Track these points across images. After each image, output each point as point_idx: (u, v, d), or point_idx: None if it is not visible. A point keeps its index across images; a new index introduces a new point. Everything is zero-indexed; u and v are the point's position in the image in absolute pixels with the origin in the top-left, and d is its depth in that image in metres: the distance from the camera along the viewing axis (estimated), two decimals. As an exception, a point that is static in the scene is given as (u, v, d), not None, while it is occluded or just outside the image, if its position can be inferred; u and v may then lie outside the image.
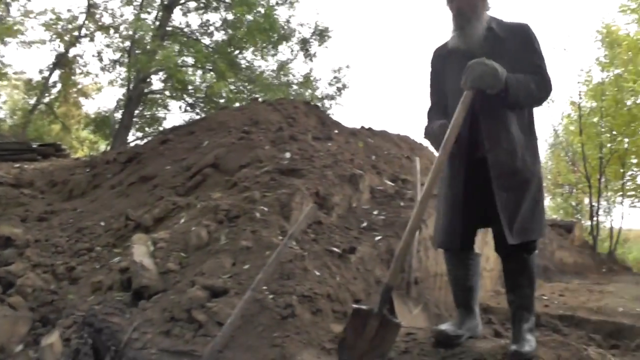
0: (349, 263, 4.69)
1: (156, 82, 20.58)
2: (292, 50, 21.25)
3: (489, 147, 3.25)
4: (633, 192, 20.63)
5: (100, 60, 20.69)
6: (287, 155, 6.21)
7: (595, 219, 17.39)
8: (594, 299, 7.60)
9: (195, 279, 3.99)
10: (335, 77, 21.78)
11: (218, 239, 4.61)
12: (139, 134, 21.44)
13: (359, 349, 2.92)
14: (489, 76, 3.12)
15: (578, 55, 19.75)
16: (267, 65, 21.25)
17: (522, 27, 3.50)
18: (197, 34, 20.51)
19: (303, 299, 3.85)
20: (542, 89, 3.36)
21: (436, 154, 3.31)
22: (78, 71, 22.21)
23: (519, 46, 3.40)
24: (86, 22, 20.80)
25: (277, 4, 20.08)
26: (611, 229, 19.28)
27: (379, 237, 5.30)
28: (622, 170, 18.59)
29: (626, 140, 17.30)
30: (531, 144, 3.42)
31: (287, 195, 5.18)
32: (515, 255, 3.36)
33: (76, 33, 20.89)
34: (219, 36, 20.47)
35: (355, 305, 3.22)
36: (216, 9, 20.40)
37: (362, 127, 9.03)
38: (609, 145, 17.01)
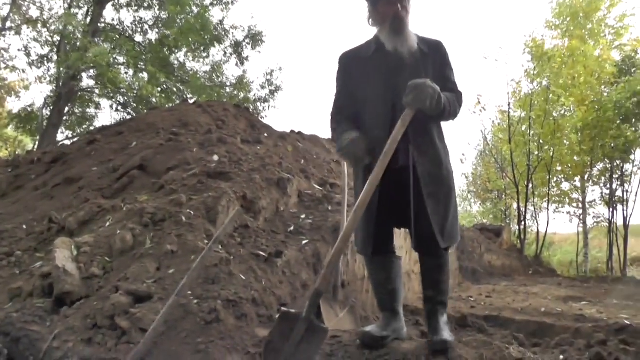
0: (275, 267, 4.73)
1: (87, 79, 19.99)
2: (225, 53, 21.14)
3: (418, 157, 3.42)
4: (558, 198, 21.50)
5: (28, 55, 19.80)
6: (215, 158, 6.19)
7: (523, 223, 18.04)
8: (520, 299, 7.87)
9: (119, 285, 3.93)
10: (267, 80, 21.75)
11: (143, 243, 4.56)
12: (69, 133, 20.91)
13: (285, 353, 2.93)
14: (434, 100, 3.30)
15: (508, 67, 20.32)
16: (200, 66, 21.09)
17: (440, 44, 3.73)
18: (130, 31, 20.12)
19: (228, 303, 3.85)
20: (459, 105, 3.64)
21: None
22: (3, 66, 21.43)
23: (439, 62, 3.62)
24: (11, 14, 19.91)
25: (211, 4, 19.94)
26: (538, 233, 20.03)
27: (305, 241, 5.36)
28: (548, 177, 19.36)
29: (552, 149, 18.02)
30: (447, 154, 3.63)
31: (213, 198, 5.17)
32: (436, 253, 3.55)
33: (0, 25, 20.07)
34: (152, 35, 20.12)
35: (283, 309, 3.22)
36: (149, 7, 20.06)
37: (292, 131, 9.08)
38: (536, 153, 17.67)
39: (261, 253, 4.76)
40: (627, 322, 5.62)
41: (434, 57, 3.62)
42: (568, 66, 18.02)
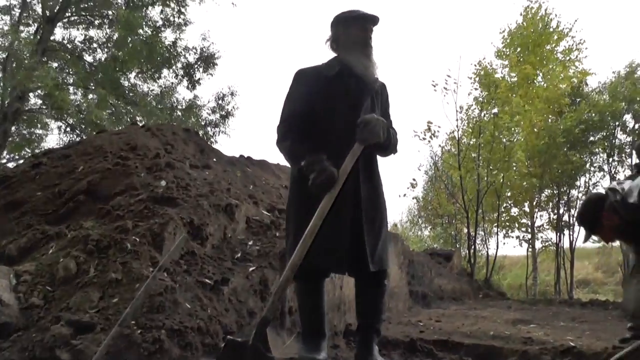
0: (221, 295, 4.70)
1: (35, 98, 19.51)
2: (176, 75, 20.97)
3: (362, 183, 3.58)
4: (507, 223, 22.00)
5: (-30, 72, 19.29)
6: (163, 183, 6.13)
7: (472, 247, 18.35)
8: (469, 323, 7.96)
9: (61, 315, 3.84)
10: (218, 104, 21.62)
11: (87, 271, 4.45)
12: (14, 155, 20.41)
13: None
14: (383, 134, 3.49)
15: (457, 94, 20.70)
16: (151, 89, 20.85)
17: (384, 84, 3.97)
18: (79, 50, 19.76)
19: (172, 333, 3.81)
20: (397, 141, 3.87)
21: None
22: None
23: (385, 100, 3.80)
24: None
25: (164, 25, 19.79)
26: (488, 257, 20.39)
27: (252, 268, 5.34)
28: (497, 203, 19.78)
29: (502, 174, 18.45)
30: (382, 184, 3.75)
31: (160, 225, 5.10)
32: (377, 281, 3.71)
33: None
34: (102, 55, 19.79)
35: (229, 337, 3.22)
36: (100, 26, 19.79)
37: (241, 156, 9.06)
38: (485, 178, 18.03)
39: (207, 280, 4.73)
40: (572, 343, 5.80)
41: (382, 93, 3.79)
42: (518, 94, 18.52)
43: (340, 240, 3.56)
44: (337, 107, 3.65)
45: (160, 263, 3.73)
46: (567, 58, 21.73)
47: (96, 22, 19.65)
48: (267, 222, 6.52)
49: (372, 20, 3.80)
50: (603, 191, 5.44)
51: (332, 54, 3.91)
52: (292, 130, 3.70)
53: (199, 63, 20.96)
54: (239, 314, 4.80)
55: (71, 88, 18.10)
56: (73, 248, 4.83)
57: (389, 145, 3.69)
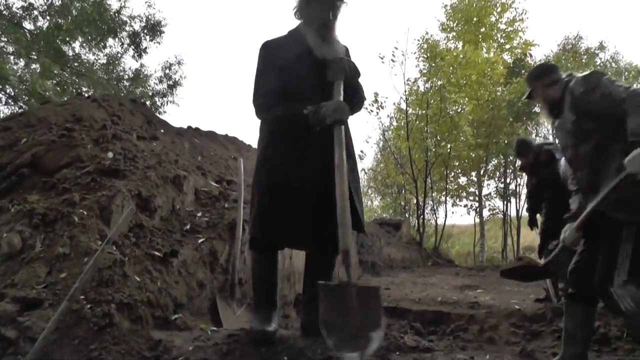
0: (170, 267, 4.71)
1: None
2: (122, 44, 20.48)
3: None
4: (456, 192, 22.41)
5: None
6: (110, 155, 6.05)
7: (421, 217, 18.63)
8: (417, 290, 8.15)
9: (6, 292, 3.77)
10: (165, 74, 21.25)
11: (33, 246, 4.38)
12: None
13: (352, 327, 2.82)
14: (351, 68, 3.70)
15: (404, 66, 20.83)
16: (96, 58, 20.31)
17: (347, 48, 3.98)
18: (18, 17, 18.99)
19: (122, 306, 3.81)
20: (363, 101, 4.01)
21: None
22: None
23: (353, 64, 3.74)
24: None
25: (109, -10, 19.20)
26: (436, 225, 20.77)
27: (201, 239, 5.35)
28: (445, 172, 20.11)
29: (449, 145, 18.74)
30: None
31: (107, 197, 5.04)
32: (331, 251, 3.72)
33: None
34: (44, 23, 19.03)
35: (321, 282, 3.02)
36: (42, -8, 19.00)
37: (189, 127, 8.99)
38: (433, 149, 18.29)
39: (156, 253, 4.72)
40: (517, 307, 6.01)
41: (347, 56, 3.84)
42: (462, 66, 18.72)
43: (304, 219, 3.61)
44: (305, 80, 3.65)
45: (109, 236, 3.68)
46: (511, 29, 22.02)
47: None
48: (216, 193, 6.51)
49: (333, 1, 3.75)
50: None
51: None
52: (269, 98, 3.70)
53: (145, 31, 20.48)
54: (189, 285, 4.82)
55: (11, 57, 17.51)
56: (17, 223, 4.71)
57: (357, 87, 3.84)
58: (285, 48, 3.77)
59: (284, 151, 3.64)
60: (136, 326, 3.77)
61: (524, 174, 14.56)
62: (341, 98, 3.49)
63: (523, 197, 20.65)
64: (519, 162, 8.99)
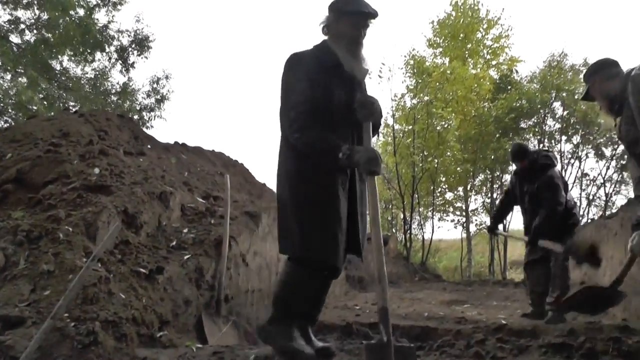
0: (156, 284, 4.69)
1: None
2: (110, 59, 20.42)
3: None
4: (442, 207, 22.45)
5: None
6: (96, 170, 6.02)
7: (409, 232, 18.65)
8: (405, 305, 8.15)
9: (-12, 309, 3.75)
10: (153, 88, 21.19)
11: (17, 263, 4.33)
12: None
13: None
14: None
15: (391, 82, 21.04)
16: (84, 72, 20.22)
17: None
18: (5, 31, 18.88)
19: (107, 324, 3.78)
20: None
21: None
22: None
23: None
24: None
25: (97, 5, 19.17)
26: (423, 240, 20.76)
27: (187, 256, 5.34)
28: (432, 187, 20.17)
29: (436, 160, 18.82)
30: None
31: (93, 213, 5.01)
32: (335, 278, 3.88)
33: None
34: (31, 36, 18.92)
35: (365, 342, 3.12)
36: (28, 6, 18.95)
37: (176, 143, 8.98)
38: (420, 164, 18.35)
39: (142, 270, 4.70)
40: (503, 321, 6.03)
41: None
42: (449, 82, 18.83)
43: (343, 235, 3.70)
44: (334, 95, 3.58)
45: (94, 253, 3.64)
46: (497, 45, 22.18)
47: (24, 1, 18.84)
48: (202, 209, 6.50)
49: (366, 16, 3.68)
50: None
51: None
52: (314, 121, 3.50)
53: (133, 46, 20.40)
54: (175, 302, 4.80)
55: (-3, 71, 17.34)
56: (1, 239, 4.64)
57: (378, 128, 3.84)
58: (315, 61, 3.64)
59: (329, 182, 3.56)
60: (121, 344, 3.74)
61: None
62: (371, 143, 3.47)
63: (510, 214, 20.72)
64: (512, 169, 8.94)
